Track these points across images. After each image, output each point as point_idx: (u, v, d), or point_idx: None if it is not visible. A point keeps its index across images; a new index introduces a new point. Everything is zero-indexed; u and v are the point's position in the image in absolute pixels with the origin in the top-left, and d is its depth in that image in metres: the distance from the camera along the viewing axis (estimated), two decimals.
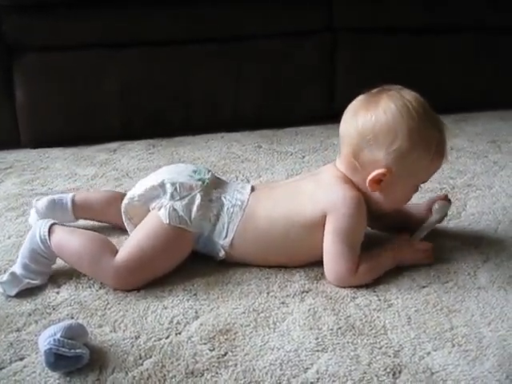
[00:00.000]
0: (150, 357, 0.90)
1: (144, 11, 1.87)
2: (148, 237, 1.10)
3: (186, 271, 1.13)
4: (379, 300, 1.04)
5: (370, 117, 1.07)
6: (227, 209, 1.13)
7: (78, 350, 0.86)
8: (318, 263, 1.12)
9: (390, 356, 0.90)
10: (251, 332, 0.96)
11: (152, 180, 1.15)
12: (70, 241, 1.10)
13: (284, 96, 2.07)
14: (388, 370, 0.87)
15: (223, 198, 1.14)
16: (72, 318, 1.00)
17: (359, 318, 0.99)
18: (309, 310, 1.01)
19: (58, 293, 1.07)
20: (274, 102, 2.07)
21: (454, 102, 2.16)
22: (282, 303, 1.03)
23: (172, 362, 0.89)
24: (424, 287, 1.08)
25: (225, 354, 0.90)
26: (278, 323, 0.98)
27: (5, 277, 1.07)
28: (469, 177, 1.59)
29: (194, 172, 1.17)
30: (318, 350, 0.91)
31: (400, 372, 0.87)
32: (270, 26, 2.00)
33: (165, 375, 0.86)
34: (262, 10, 1.97)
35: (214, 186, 1.16)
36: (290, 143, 1.91)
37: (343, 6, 2.05)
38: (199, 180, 1.15)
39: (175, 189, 1.12)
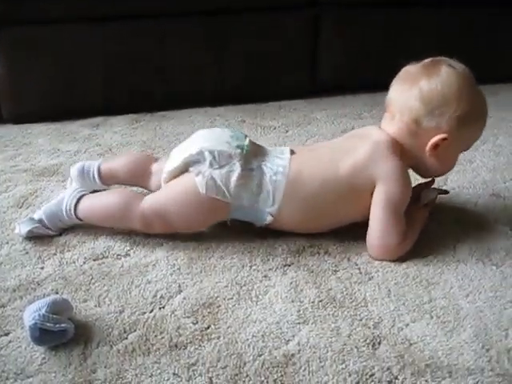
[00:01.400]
0: (135, 330, 0.92)
1: None
2: (180, 195, 1.12)
3: (170, 246, 1.14)
4: (360, 273, 1.06)
5: (436, 83, 1.10)
6: (270, 177, 1.11)
7: (62, 325, 0.87)
8: (300, 236, 1.13)
9: (369, 328, 0.92)
10: (234, 305, 0.97)
11: (189, 148, 1.14)
12: (98, 201, 1.17)
13: (267, 70, 2.07)
14: (368, 341, 0.89)
15: (264, 166, 1.12)
16: (57, 293, 1.00)
17: (340, 291, 1.01)
18: (291, 283, 1.03)
19: (42, 268, 1.08)
20: (258, 77, 2.06)
21: None
22: (265, 276, 1.05)
23: (156, 336, 0.90)
24: (404, 260, 1.10)
25: (208, 327, 0.92)
26: (260, 296, 0.99)
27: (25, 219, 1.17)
28: None
29: (231, 137, 1.15)
30: (299, 323, 0.93)
31: (379, 343, 0.89)
32: (252, 0, 1.99)
33: (149, 348, 0.88)
34: None
35: (253, 153, 1.14)
36: (274, 117, 1.91)
37: None
38: (238, 147, 1.13)
39: (213, 157, 1.10)
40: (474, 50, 2.22)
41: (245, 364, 0.85)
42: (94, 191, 1.25)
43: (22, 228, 1.15)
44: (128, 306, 0.97)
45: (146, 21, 1.92)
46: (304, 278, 1.04)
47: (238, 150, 1.12)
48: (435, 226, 1.21)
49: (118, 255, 1.11)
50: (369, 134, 1.16)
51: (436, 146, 1.11)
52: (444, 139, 1.10)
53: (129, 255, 1.11)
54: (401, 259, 1.10)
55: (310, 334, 0.90)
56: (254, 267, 1.08)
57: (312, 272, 1.06)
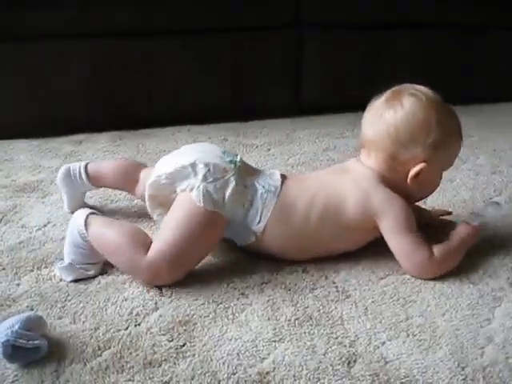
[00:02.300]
0: (109, 348, 0.91)
1: (109, 1, 1.86)
2: (181, 223, 1.07)
3: None
4: (337, 291, 1.06)
5: (401, 117, 1.11)
6: (261, 194, 1.11)
7: (36, 342, 0.86)
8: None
9: (345, 346, 0.92)
10: (210, 323, 0.97)
11: (182, 159, 1.11)
12: (105, 234, 1.08)
13: (251, 89, 2.08)
14: (343, 359, 0.89)
15: (256, 184, 1.12)
16: (32, 309, 1.00)
17: (317, 309, 1.01)
18: (268, 300, 1.02)
19: (18, 285, 1.07)
20: (241, 96, 2.08)
21: None
22: (242, 294, 1.04)
23: (130, 353, 0.90)
24: (382, 278, 1.10)
25: (183, 345, 0.91)
26: (236, 314, 0.99)
27: (63, 263, 1.09)
28: None
29: (223, 153, 1.15)
30: (275, 341, 0.92)
31: (355, 361, 0.89)
32: (237, 20, 2.01)
33: (123, 366, 0.87)
34: (228, 3, 1.97)
35: (245, 171, 1.14)
36: (256, 136, 1.92)
37: (310, 1, 2.06)
38: (230, 162, 1.12)
39: (208, 170, 1.09)
40: (453, 70, 2.26)
41: (219, 382, 0.84)
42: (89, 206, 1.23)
43: (65, 276, 1.08)
44: (103, 323, 0.96)
45: (130, 38, 1.93)
46: (281, 296, 1.04)
47: (232, 165, 1.12)
48: None
49: None
50: (353, 169, 1.17)
51: (417, 174, 1.13)
52: (422, 168, 1.12)
53: (106, 272, 1.10)
54: (378, 277, 1.10)
55: (286, 352, 0.90)
56: (231, 285, 1.07)
57: (289, 290, 1.06)
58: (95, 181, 1.30)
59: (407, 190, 1.15)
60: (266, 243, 1.12)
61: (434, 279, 1.10)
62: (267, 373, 0.86)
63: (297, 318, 0.98)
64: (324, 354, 0.90)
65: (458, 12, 2.23)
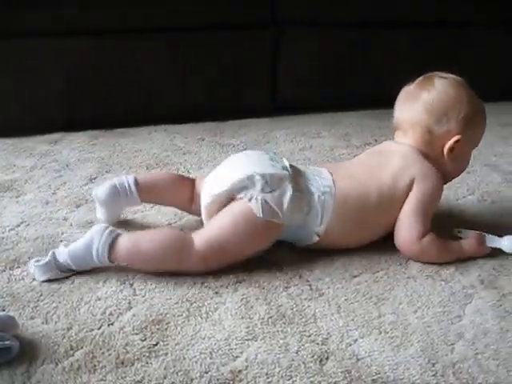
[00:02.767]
0: (81, 347, 0.90)
1: (93, 1, 1.85)
2: (235, 225, 1.08)
3: None
4: (311, 289, 1.07)
5: (435, 95, 1.20)
6: (318, 197, 1.13)
7: (6, 342, 0.86)
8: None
9: (318, 343, 0.92)
10: (183, 322, 0.97)
11: (236, 173, 1.11)
12: (143, 247, 1.07)
13: (228, 89, 2.08)
14: (315, 357, 0.90)
15: (311, 187, 1.14)
16: (3, 310, 0.99)
17: (290, 307, 1.01)
18: (241, 299, 1.03)
19: None
20: (218, 95, 2.08)
21: (397, 95, 2.21)
22: (216, 293, 1.04)
23: (103, 353, 0.89)
24: (355, 277, 1.11)
25: (156, 344, 0.91)
26: (210, 313, 0.99)
27: (41, 260, 1.06)
28: None
29: (272, 160, 1.16)
30: (248, 339, 0.93)
31: (327, 359, 0.89)
32: (214, 17, 2.00)
33: (95, 365, 0.87)
34: (203, 3, 1.97)
35: (296, 174, 1.15)
36: (233, 135, 1.92)
37: (286, 1, 2.07)
38: (283, 169, 1.14)
39: (266, 181, 1.09)
40: (432, 66, 2.27)
41: (191, 381, 0.84)
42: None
43: (38, 274, 1.06)
44: (76, 323, 0.96)
45: (106, 36, 1.91)
46: (255, 294, 1.04)
47: (286, 172, 1.13)
48: (387, 243, 1.22)
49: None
50: (392, 148, 1.25)
51: (452, 148, 1.20)
52: (457, 141, 1.19)
53: (79, 272, 1.10)
54: (352, 275, 1.11)
55: (259, 350, 0.90)
56: (205, 284, 1.07)
57: (263, 289, 1.06)
58: (146, 193, 1.25)
59: (443, 166, 1.22)
60: (327, 241, 1.16)
61: (407, 278, 1.11)
62: (240, 371, 0.86)
63: (270, 317, 0.98)
64: (296, 352, 0.90)
65: (444, 10, 2.26)
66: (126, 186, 1.23)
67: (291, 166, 1.17)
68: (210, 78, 2.05)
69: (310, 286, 1.08)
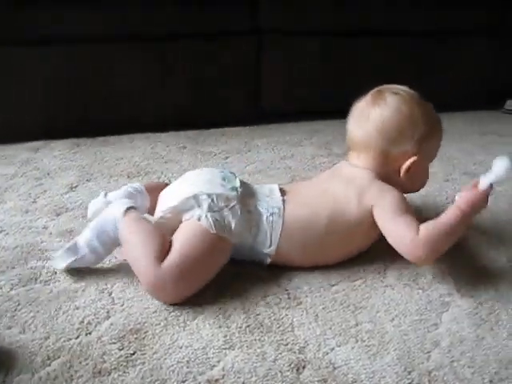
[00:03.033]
0: (59, 357, 0.90)
1: (69, 8, 1.85)
2: (190, 244, 1.05)
3: (101, 271, 1.13)
4: (289, 298, 1.07)
5: (388, 115, 1.17)
6: (266, 218, 1.12)
7: None
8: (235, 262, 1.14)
9: (295, 352, 0.93)
10: (161, 331, 0.97)
11: (184, 191, 1.11)
12: (130, 235, 1.07)
13: (210, 97, 2.09)
14: (292, 365, 0.90)
15: (259, 208, 1.13)
16: None
17: (268, 316, 1.01)
18: (220, 308, 1.03)
19: None
20: (201, 103, 2.08)
21: None
22: (194, 302, 1.05)
23: (80, 362, 0.89)
24: (334, 285, 1.12)
25: (133, 353, 0.91)
26: (188, 322, 0.99)
27: (61, 251, 1.10)
28: None
29: (223, 179, 1.15)
30: (225, 348, 0.93)
31: (304, 367, 0.90)
32: (196, 26, 2.01)
33: (72, 375, 0.87)
34: (188, 10, 1.98)
35: (246, 194, 1.15)
36: (215, 144, 1.93)
37: (269, 8, 2.09)
38: (232, 190, 1.13)
39: (212, 200, 1.09)
40: (410, 75, 2.29)
41: None
42: None
43: (58, 262, 1.09)
44: (53, 333, 0.95)
45: (88, 44, 1.92)
46: (233, 303, 1.05)
47: (234, 193, 1.12)
48: (367, 251, 1.23)
49: (47, 281, 1.09)
50: (347, 172, 1.22)
51: (408, 169, 1.18)
52: (414, 161, 1.18)
53: (58, 281, 1.10)
54: (330, 284, 1.12)
55: (236, 359, 0.91)
56: None
57: (241, 298, 1.06)
58: (152, 190, 1.24)
59: (400, 185, 1.19)
60: (281, 260, 1.15)
61: (385, 286, 1.12)
62: (216, 380, 0.86)
63: (248, 326, 0.99)
64: (274, 361, 0.91)
65: (424, 20, 2.29)
66: (140, 190, 1.23)
67: (244, 185, 1.17)
68: (192, 87, 2.06)
69: (288, 294, 1.08)
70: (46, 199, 1.45)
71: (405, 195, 1.18)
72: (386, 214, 1.13)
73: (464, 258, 1.24)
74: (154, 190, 1.23)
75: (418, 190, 1.30)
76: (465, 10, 2.37)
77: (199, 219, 1.07)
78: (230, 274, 1.13)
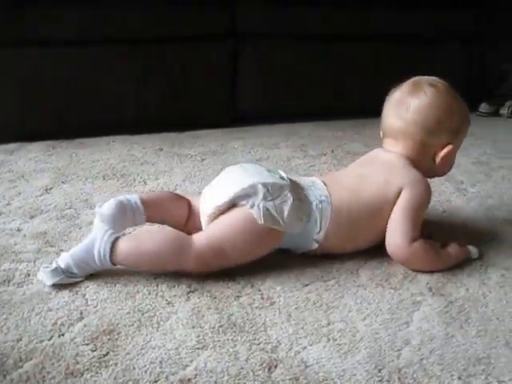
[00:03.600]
0: (31, 359, 0.90)
1: (47, 10, 1.84)
2: (236, 230, 1.11)
3: None
4: (262, 298, 1.08)
5: (426, 106, 1.23)
6: (316, 205, 1.17)
7: None
8: None
9: (267, 352, 0.94)
10: (134, 332, 0.97)
11: (238, 184, 1.13)
12: (142, 248, 1.09)
13: (187, 99, 2.10)
14: (264, 364, 0.91)
15: (308, 196, 1.18)
16: None
17: (241, 316, 1.02)
18: (193, 309, 1.03)
19: None
20: (177, 106, 2.09)
21: (353, 106, 2.25)
22: (168, 303, 1.05)
23: (52, 364, 0.89)
24: (307, 285, 1.13)
25: (106, 354, 0.91)
26: (161, 322, 1.00)
27: (50, 267, 1.07)
28: None
29: (269, 171, 1.19)
30: (198, 348, 0.94)
31: (275, 366, 0.91)
32: (172, 29, 2.02)
33: (44, 376, 0.86)
34: (164, 12, 1.98)
35: (294, 184, 1.19)
36: (191, 146, 1.94)
37: (245, 11, 2.10)
38: (282, 179, 1.17)
39: (267, 190, 1.12)
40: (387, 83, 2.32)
41: None
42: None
43: (46, 279, 1.07)
44: (26, 335, 0.95)
45: (64, 47, 1.91)
46: (207, 303, 1.05)
47: (286, 182, 1.16)
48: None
49: (20, 283, 1.09)
50: (381, 156, 1.28)
51: (444, 156, 1.25)
52: (450, 149, 1.25)
53: (32, 283, 1.09)
54: (303, 284, 1.13)
55: (208, 359, 0.91)
56: (159, 294, 1.08)
57: (215, 298, 1.07)
58: (150, 210, 1.22)
59: (432, 170, 1.28)
60: (327, 246, 1.19)
61: (358, 286, 1.13)
62: (189, 380, 0.87)
63: (221, 326, 0.99)
64: (246, 360, 0.91)
65: (404, 25, 2.32)
66: (133, 202, 1.20)
67: (288, 177, 1.21)
68: (169, 90, 2.06)
69: (261, 294, 1.09)
70: (20, 201, 1.45)
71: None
72: (409, 204, 1.19)
73: None
74: (156, 202, 1.25)
75: (446, 174, 1.36)
76: (441, 20, 2.41)
77: (252, 207, 1.11)
78: (204, 274, 1.14)
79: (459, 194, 1.65)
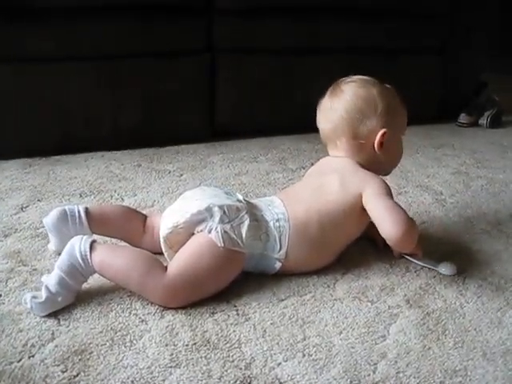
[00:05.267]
0: None
1: (20, 27, 1.83)
2: (200, 257, 1.09)
3: None
4: (237, 314, 1.07)
5: (346, 100, 1.27)
6: (273, 223, 1.16)
7: None
8: None
9: (241, 368, 0.92)
10: (106, 351, 0.95)
11: (194, 205, 1.13)
12: (115, 258, 1.09)
13: (165, 114, 2.09)
14: (238, 382, 0.89)
15: (265, 215, 1.18)
16: None
17: (215, 333, 1.01)
18: (167, 326, 1.02)
19: None
20: (155, 121, 2.08)
21: None
22: (142, 321, 1.03)
23: None
24: (282, 300, 1.12)
25: (77, 375, 0.90)
26: (134, 341, 0.98)
27: (42, 296, 1.03)
28: None
29: (226, 193, 1.19)
30: (171, 366, 0.92)
31: (249, 383, 0.89)
32: (151, 44, 2.01)
33: None
34: (142, 27, 1.98)
35: (250, 205, 1.19)
36: (170, 162, 1.93)
37: (222, 27, 2.10)
38: (239, 201, 1.17)
39: (224, 212, 1.12)
40: None
41: None
42: None
43: (38, 311, 1.04)
44: None
45: (40, 61, 1.90)
46: (181, 321, 1.04)
47: (242, 203, 1.16)
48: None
49: None
50: (329, 164, 1.30)
51: (381, 143, 1.27)
52: (384, 133, 1.26)
53: (3, 303, 1.07)
54: (279, 299, 1.12)
55: (181, 377, 0.90)
56: (133, 312, 1.06)
57: (189, 315, 1.06)
58: (96, 225, 1.23)
59: (380, 163, 1.29)
60: (291, 264, 1.18)
61: (334, 300, 1.12)
62: None
63: (194, 343, 0.98)
64: (219, 378, 0.90)
65: (377, 38, 2.33)
66: (76, 213, 1.22)
67: (245, 199, 1.20)
68: (146, 105, 2.05)
69: (236, 310, 1.08)
70: None
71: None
72: (377, 193, 1.20)
73: (414, 270, 1.25)
74: (103, 215, 1.26)
75: (396, 165, 1.38)
76: (412, 32, 2.43)
77: (210, 231, 1.10)
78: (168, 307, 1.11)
79: (438, 204, 1.65)
